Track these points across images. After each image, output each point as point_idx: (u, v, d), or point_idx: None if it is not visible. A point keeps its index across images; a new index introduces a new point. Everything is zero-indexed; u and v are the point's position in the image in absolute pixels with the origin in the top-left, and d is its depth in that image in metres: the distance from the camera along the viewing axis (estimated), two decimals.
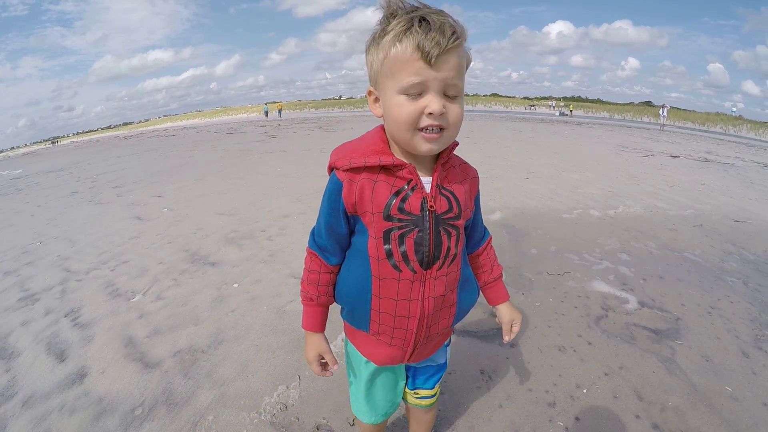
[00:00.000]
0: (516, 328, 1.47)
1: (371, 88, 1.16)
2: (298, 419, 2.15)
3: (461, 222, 1.20)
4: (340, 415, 2.16)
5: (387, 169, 1.13)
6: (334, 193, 1.17)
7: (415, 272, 1.15)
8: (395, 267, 1.15)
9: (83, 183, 9.32)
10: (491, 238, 1.47)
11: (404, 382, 1.53)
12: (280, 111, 54.45)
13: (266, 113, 51.54)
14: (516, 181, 7.65)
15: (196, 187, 7.80)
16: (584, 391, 2.38)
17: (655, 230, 5.13)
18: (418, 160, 1.16)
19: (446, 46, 0.96)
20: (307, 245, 1.33)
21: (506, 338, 1.47)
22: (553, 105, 69.24)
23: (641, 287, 3.61)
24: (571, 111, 59.30)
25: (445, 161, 1.18)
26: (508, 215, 5.43)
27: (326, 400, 2.27)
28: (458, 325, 2.86)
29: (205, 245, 4.58)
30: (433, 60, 0.97)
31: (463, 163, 1.29)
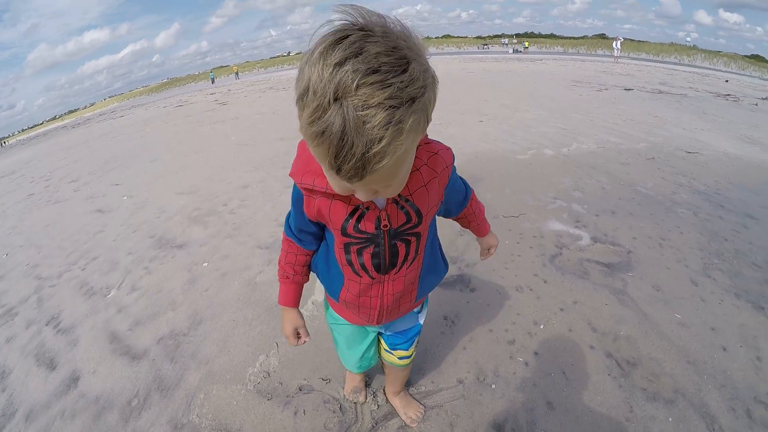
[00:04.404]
0: (492, 251, 1.72)
1: None
2: (281, 383, 2.35)
3: (422, 227, 1.26)
4: (317, 375, 2.37)
5: None
6: (298, 200, 1.26)
7: (374, 278, 1.30)
8: (356, 273, 1.29)
9: (38, 183, 8.93)
10: (473, 196, 1.56)
11: (377, 341, 1.75)
12: (237, 74, 54.82)
13: (213, 80, 50.85)
14: (470, 125, 7.82)
15: (153, 168, 7.64)
16: (541, 327, 2.62)
17: (607, 165, 5.43)
18: None
19: (366, 175, 0.82)
20: (283, 231, 1.43)
21: (482, 257, 1.75)
22: (506, 42, 69.43)
23: (594, 223, 3.88)
24: (527, 47, 59.73)
25: None
26: (463, 161, 5.60)
27: (304, 363, 2.46)
28: None
29: (170, 228, 4.59)
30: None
31: (432, 156, 1.20)
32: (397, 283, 1.33)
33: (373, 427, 2.07)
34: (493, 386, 2.24)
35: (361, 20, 0.81)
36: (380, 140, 0.76)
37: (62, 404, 2.45)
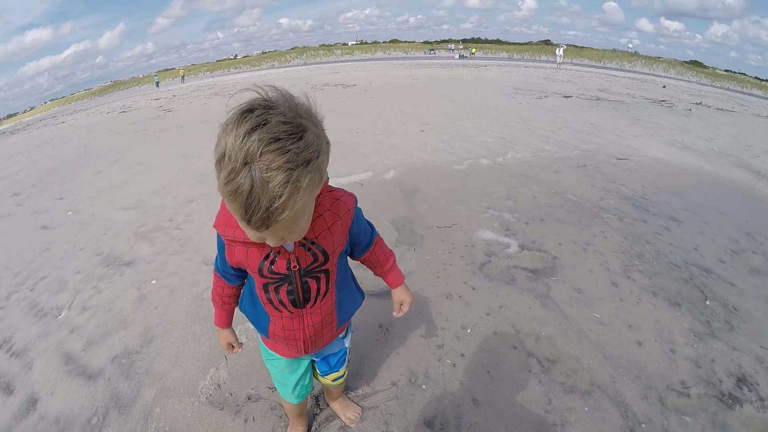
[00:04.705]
0: (405, 308, 1.80)
1: None
2: (231, 394, 2.47)
3: (330, 265, 1.44)
4: (264, 384, 2.51)
5: None
6: (221, 248, 1.46)
7: (292, 312, 1.47)
8: (276, 309, 1.47)
9: None
10: (378, 240, 1.70)
11: (311, 369, 1.91)
12: (183, 78, 54.31)
13: (157, 83, 49.96)
14: (412, 135, 7.98)
15: (98, 180, 7.47)
16: (468, 331, 2.80)
17: (540, 174, 5.69)
18: None
19: (271, 225, 0.99)
20: (213, 266, 1.62)
21: (395, 314, 1.82)
22: (453, 48, 70.67)
23: (523, 231, 4.09)
24: (473, 53, 60.86)
25: None
26: (402, 172, 5.74)
27: (251, 374, 2.59)
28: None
29: (117, 245, 4.55)
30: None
31: (335, 202, 1.39)
32: (315, 315, 1.50)
33: (316, 428, 2.24)
34: (424, 387, 2.42)
35: (268, 95, 1.01)
36: (281, 196, 0.94)
37: (23, 428, 2.46)
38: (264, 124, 0.93)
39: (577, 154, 6.69)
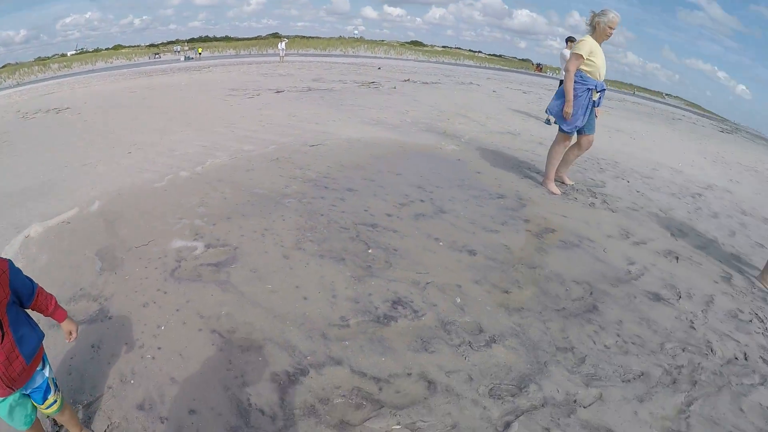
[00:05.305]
0: (74, 335, 2.29)
1: None
2: None
3: (0, 314, 1.84)
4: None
5: None
6: None
7: None
8: None
9: None
10: (39, 290, 2.11)
11: (29, 400, 2.21)
12: None
13: None
14: (119, 159, 7.83)
15: None
16: (162, 328, 3.31)
17: (234, 175, 6.30)
18: None
19: None
20: None
21: (68, 340, 2.28)
22: (179, 50, 68.12)
23: (210, 232, 4.66)
24: (200, 53, 59.48)
25: None
26: (106, 202, 5.73)
27: None
28: None
29: None
30: None
31: None
32: (0, 355, 1.87)
33: None
34: (132, 381, 2.86)
35: None
36: None
37: None
38: None
39: (273, 148, 7.48)
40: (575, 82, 5.88)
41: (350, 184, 5.90)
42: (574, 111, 5.95)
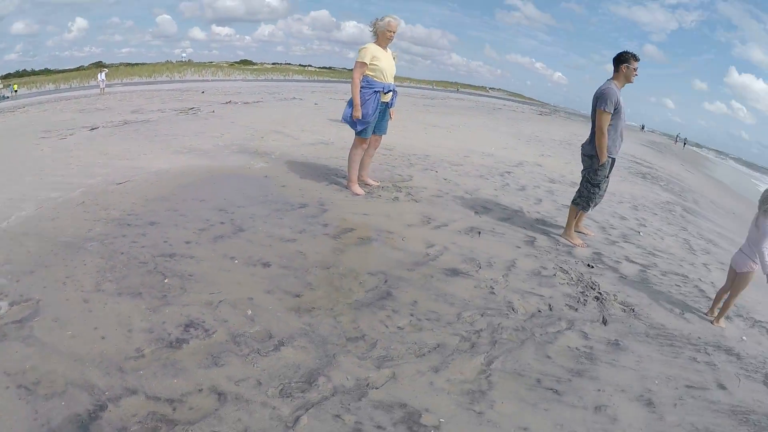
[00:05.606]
0: None
1: None
2: None
3: None
4: None
5: None
6: None
7: None
8: None
9: None
10: None
11: None
12: None
13: None
14: None
15: None
16: None
17: (39, 227, 5.97)
18: None
19: None
20: None
21: None
22: None
23: (14, 289, 4.52)
24: (16, 91, 54.14)
25: None
26: None
27: None
28: None
29: None
30: None
31: None
32: None
33: None
34: None
35: None
36: None
37: None
38: None
39: (80, 192, 7.29)
40: (362, 87, 6.62)
41: (153, 217, 6.09)
42: (364, 113, 6.65)
